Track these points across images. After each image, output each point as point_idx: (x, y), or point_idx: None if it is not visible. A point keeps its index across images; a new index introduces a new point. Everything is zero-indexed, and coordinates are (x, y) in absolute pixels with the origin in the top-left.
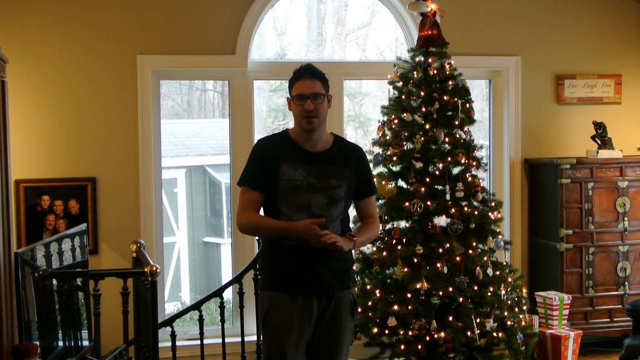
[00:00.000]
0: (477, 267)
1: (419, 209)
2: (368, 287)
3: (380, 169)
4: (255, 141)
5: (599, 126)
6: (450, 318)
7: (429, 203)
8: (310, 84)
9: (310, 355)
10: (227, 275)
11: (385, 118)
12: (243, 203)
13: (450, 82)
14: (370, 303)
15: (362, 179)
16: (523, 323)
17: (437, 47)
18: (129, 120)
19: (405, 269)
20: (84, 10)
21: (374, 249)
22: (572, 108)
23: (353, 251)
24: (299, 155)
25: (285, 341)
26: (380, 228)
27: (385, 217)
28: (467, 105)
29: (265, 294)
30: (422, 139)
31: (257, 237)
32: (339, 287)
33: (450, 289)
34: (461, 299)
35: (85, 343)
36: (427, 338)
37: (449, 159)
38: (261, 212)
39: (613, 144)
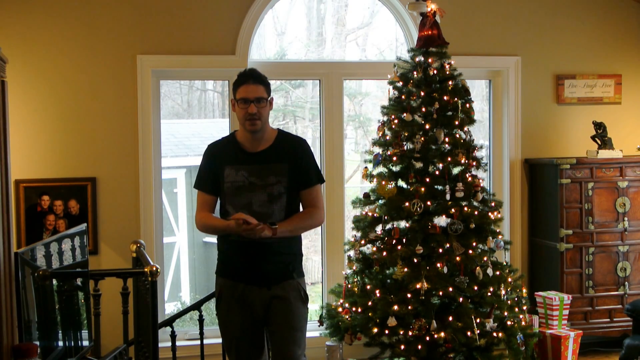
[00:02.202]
0: (477, 267)
1: (419, 209)
2: (368, 287)
3: (380, 169)
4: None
5: (599, 126)
6: (450, 318)
7: (429, 203)
8: (254, 89)
9: (270, 343)
10: None
11: (385, 118)
12: (198, 204)
13: (450, 82)
14: (370, 303)
15: (301, 170)
16: (523, 323)
17: (437, 47)
18: (129, 120)
19: (405, 269)
20: (84, 11)
21: (374, 249)
22: (572, 108)
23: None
24: (241, 157)
25: (234, 322)
26: (380, 228)
27: (385, 217)
28: (467, 105)
29: (217, 279)
30: (422, 139)
31: None
32: (281, 279)
33: (450, 289)
34: (461, 299)
35: (85, 343)
36: (427, 338)
37: (449, 159)
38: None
39: (613, 144)
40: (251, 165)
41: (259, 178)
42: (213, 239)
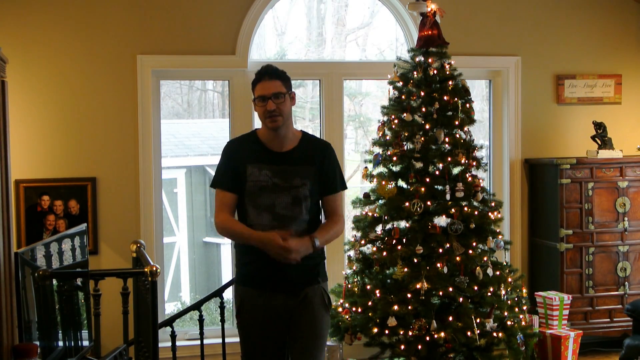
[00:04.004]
0: (477, 267)
1: (419, 209)
2: (368, 287)
3: (380, 169)
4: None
5: (599, 126)
6: (450, 318)
7: (429, 203)
8: (270, 85)
9: (290, 350)
10: (227, 275)
11: (385, 118)
12: (218, 204)
13: (450, 82)
14: (370, 303)
15: (327, 175)
16: (523, 323)
17: (437, 47)
18: (129, 120)
19: (405, 269)
20: (84, 11)
21: (374, 249)
22: (572, 108)
23: (325, 247)
24: (265, 156)
25: (256, 334)
26: (380, 228)
27: (385, 217)
28: (467, 105)
29: (238, 288)
30: (422, 139)
31: None
32: (307, 284)
33: (450, 289)
34: (461, 299)
35: (85, 343)
36: (427, 338)
37: (449, 159)
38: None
39: (613, 144)
40: (276, 166)
41: (284, 179)
42: (213, 239)
